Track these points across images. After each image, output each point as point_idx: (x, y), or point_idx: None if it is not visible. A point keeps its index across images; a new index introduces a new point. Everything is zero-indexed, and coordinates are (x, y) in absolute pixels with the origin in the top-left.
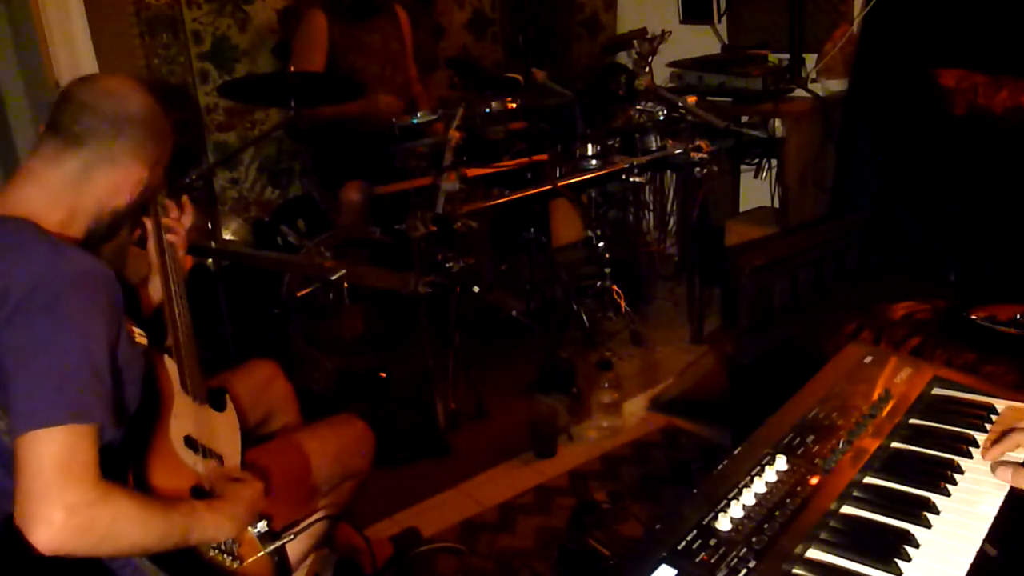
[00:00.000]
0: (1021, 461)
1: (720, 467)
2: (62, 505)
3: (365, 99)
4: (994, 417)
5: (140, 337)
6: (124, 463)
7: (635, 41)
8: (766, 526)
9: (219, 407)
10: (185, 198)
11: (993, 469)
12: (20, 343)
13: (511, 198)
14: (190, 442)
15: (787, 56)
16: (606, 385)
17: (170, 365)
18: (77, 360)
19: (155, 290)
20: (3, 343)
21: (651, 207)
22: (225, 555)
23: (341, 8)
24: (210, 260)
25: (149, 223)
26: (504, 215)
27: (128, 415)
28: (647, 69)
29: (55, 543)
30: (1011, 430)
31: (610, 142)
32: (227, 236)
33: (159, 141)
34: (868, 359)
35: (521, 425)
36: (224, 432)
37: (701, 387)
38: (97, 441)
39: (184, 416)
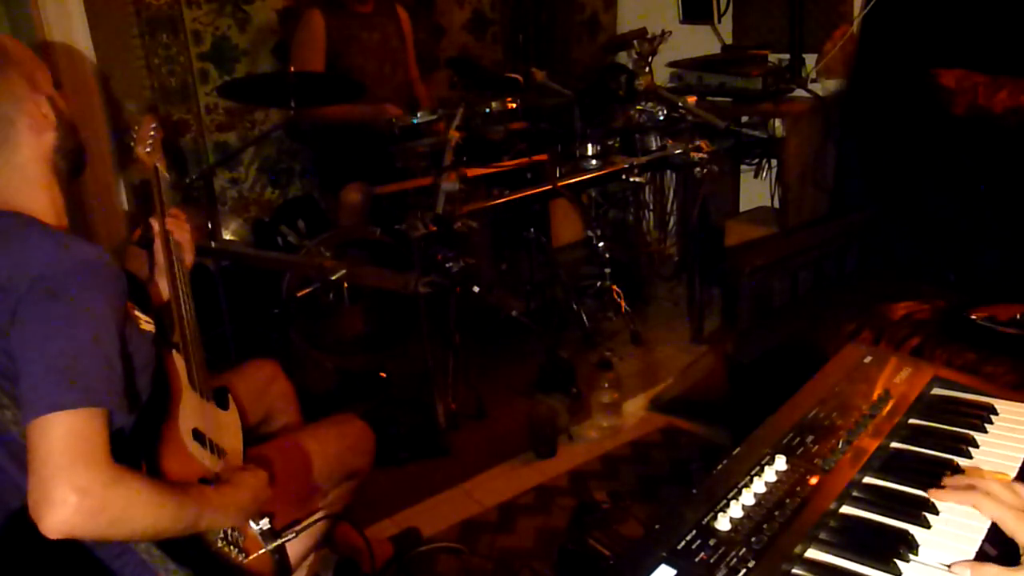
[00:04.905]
0: (972, 556)
1: (720, 467)
2: (75, 487)
3: (375, 106)
4: (994, 418)
5: (147, 324)
6: (136, 451)
7: (635, 41)
8: (765, 526)
9: (223, 406)
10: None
11: (950, 568)
12: (28, 332)
13: (511, 198)
14: (198, 435)
15: (787, 56)
16: (606, 385)
17: (178, 360)
18: (85, 346)
19: (160, 289)
20: (11, 333)
21: (651, 207)
22: (232, 547)
23: (339, 5)
24: (210, 260)
25: (156, 223)
26: (504, 215)
27: (140, 402)
28: (647, 69)
29: (68, 525)
30: (970, 487)
31: (610, 142)
32: (227, 236)
33: (10, 65)
34: (868, 359)
35: (521, 425)
36: (228, 430)
37: (701, 387)
38: (107, 425)
39: (192, 410)
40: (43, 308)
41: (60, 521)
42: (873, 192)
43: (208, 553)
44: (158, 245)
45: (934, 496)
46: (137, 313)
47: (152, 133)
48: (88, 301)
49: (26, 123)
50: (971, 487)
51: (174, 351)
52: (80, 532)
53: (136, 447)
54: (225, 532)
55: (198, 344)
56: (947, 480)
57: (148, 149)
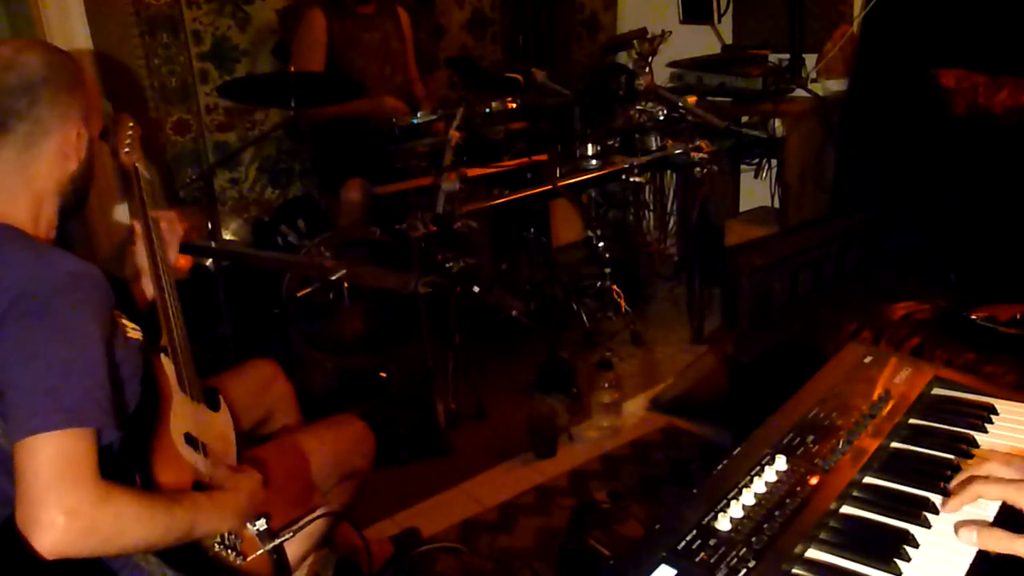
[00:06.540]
0: (990, 520)
1: (720, 467)
2: (63, 509)
3: (371, 100)
4: (994, 418)
5: (133, 332)
6: (128, 462)
7: (635, 41)
8: (766, 526)
9: (214, 407)
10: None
11: (956, 530)
12: (12, 350)
13: (511, 198)
14: (190, 440)
15: (787, 56)
16: (606, 385)
17: (167, 364)
18: (71, 363)
19: (146, 289)
20: None
21: (651, 207)
22: (229, 550)
23: (340, 5)
24: (210, 260)
25: (139, 226)
26: (504, 215)
27: (128, 413)
28: (647, 69)
29: (59, 546)
30: (969, 479)
31: (610, 142)
32: (227, 236)
33: (77, 88)
34: (868, 359)
35: (521, 425)
36: (220, 431)
37: (701, 387)
38: (96, 443)
39: (183, 414)
40: (26, 325)
41: (50, 543)
42: (873, 192)
43: (205, 558)
44: (141, 246)
45: (945, 511)
46: (124, 321)
47: (130, 132)
48: (72, 316)
49: (58, 143)
50: (969, 479)
51: (162, 355)
52: (72, 552)
53: (128, 458)
54: (222, 536)
55: (187, 346)
56: (952, 486)
57: (126, 149)
